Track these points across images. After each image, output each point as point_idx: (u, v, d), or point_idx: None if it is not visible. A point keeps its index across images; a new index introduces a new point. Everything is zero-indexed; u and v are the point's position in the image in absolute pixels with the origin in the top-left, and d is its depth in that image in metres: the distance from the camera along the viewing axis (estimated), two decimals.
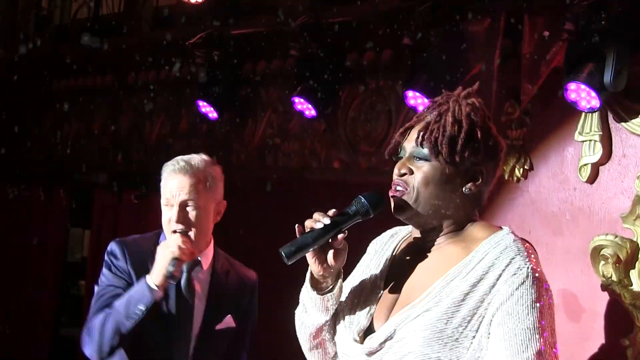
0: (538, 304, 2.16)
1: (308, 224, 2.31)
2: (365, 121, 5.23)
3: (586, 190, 4.14)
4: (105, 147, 7.10)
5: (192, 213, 3.28)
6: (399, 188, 2.34)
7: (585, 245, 4.05)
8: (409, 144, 2.37)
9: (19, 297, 7.44)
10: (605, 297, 4.00)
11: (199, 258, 3.37)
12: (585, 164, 4.11)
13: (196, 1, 5.69)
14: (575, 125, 4.13)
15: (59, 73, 7.32)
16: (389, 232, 2.60)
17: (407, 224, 2.47)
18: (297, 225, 2.32)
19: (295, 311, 2.55)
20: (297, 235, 2.31)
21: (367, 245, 2.64)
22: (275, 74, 5.72)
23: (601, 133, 4.04)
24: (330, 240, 2.31)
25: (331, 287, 2.40)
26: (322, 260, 2.32)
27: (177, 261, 3.13)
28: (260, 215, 5.46)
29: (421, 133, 2.33)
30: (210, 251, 3.45)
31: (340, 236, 2.31)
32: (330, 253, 2.32)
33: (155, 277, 3.15)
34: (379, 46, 5.10)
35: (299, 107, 5.19)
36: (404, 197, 2.32)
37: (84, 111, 7.30)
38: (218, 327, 3.33)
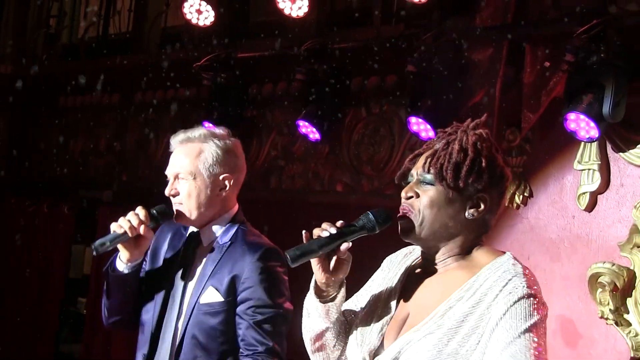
0: (532, 320, 2.24)
1: (315, 232, 2.39)
2: (369, 145, 5.28)
3: (584, 218, 4.20)
4: (110, 164, 7.15)
5: (183, 185, 3.26)
6: (405, 211, 2.42)
7: (583, 272, 4.10)
8: (416, 170, 2.46)
9: (21, 312, 7.45)
10: (602, 323, 4.05)
11: (194, 230, 3.36)
12: (584, 193, 4.17)
13: (204, 24, 5.74)
14: (575, 154, 4.20)
15: (66, 90, 7.38)
16: (404, 250, 2.67)
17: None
18: (304, 231, 2.39)
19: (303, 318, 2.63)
20: (304, 241, 2.38)
21: (374, 262, 2.71)
22: (280, 96, 5.77)
23: (600, 162, 4.11)
24: (335, 250, 2.39)
25: (333, 296, 2.48)
26: (326, 268, 2.41)
27: (116, 233, 3.16)
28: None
29: (428, 159, 2.43)
30: (216, 226, 3.34)
31: (344, 246, 2.39)
32: (333, 262, 2.40)
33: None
34: (383, 72, 5.16)
35: (303, 130, 5.24)
36: (410, 220, 2.41)
37: (90, 128, 7.35)
38: (202, 300, 3.23)
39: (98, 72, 6.94)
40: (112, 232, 3.16)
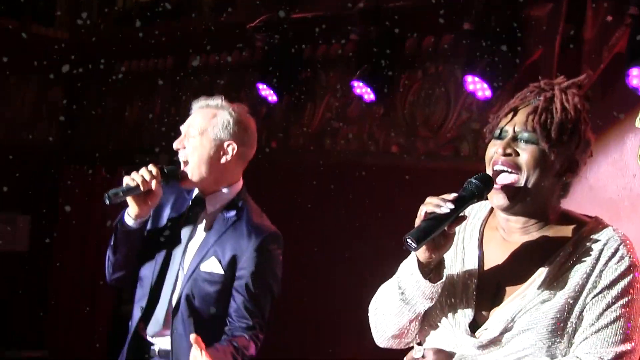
0: (633, 295, 2.21)
1: (429, 209, 2.23)
2: (424, 106, 5.23)
3: None
4: (166, 128, 7.18)
5: (191, 141, 3.40)
6: (505, 168, 2.29)
7: None
8: (513, 126, 2.33)
9: (81, 273, 7.56)
10: None
11: (199, 195, 3.47)
12: None
13: None
14: (636, 112, 4.10)
15: (121, 56, 7.43)
16: None
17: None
18: (424, 210, 2.22)
19: (381, 300, 2.48)
20: (418, 221, 2.23)
21: None
22: (334, 58, 5.74)
23: None
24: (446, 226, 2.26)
25: (435, 274, 2.33)
26: (431, 246, 2.27)
27: (129, 186, 3.27)
28: (318, 198, 5.50)
29: (530, 116, 2.30)
30: (221, 197, 3.47)
31: (459, 222, 2.27)
32: (448, 238, 2.27)
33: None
34: (438, 31, 5.10)
35: (358, 91, 5.21)
36: (516, 185, 2.28)
37: (145, 93, 7.40)
38: (203, 268, 3.39)
39: (152, 37, 6.96)
40: (124, 184, 3.28)
